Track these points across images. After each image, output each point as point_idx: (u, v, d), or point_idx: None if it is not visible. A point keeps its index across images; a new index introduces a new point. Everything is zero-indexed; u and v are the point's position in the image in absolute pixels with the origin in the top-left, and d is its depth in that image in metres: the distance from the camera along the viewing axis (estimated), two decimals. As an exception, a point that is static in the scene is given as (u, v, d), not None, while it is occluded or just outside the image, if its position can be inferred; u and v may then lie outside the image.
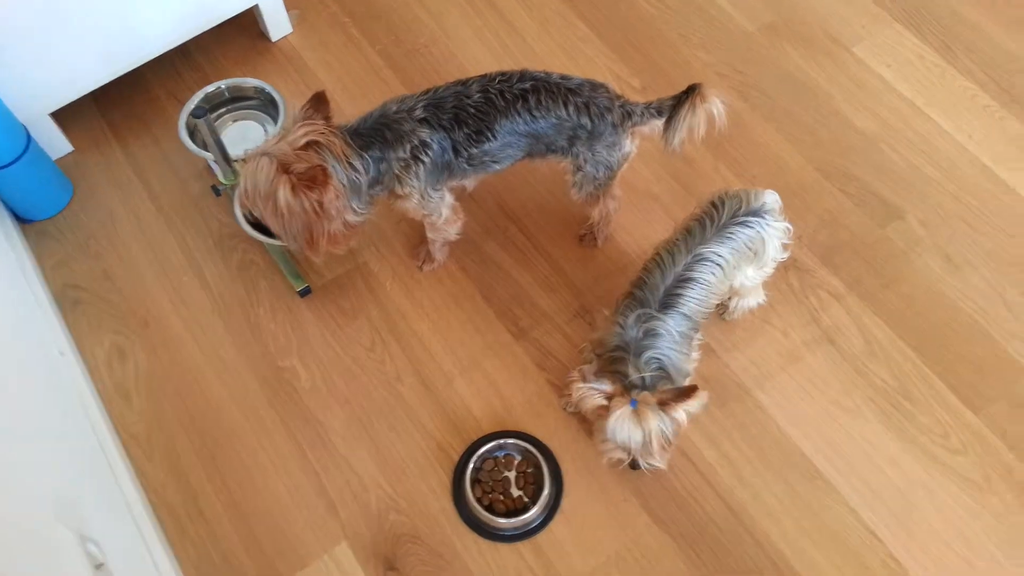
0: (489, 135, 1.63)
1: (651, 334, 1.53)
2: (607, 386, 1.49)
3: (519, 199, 2.05)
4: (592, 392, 1.49)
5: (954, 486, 1.68)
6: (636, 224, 1.98)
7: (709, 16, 2.31)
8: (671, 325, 1.54)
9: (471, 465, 1.69)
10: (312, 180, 1.49)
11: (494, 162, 1.70)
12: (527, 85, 1.63)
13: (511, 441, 1.72)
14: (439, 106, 1.62)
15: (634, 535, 1.65)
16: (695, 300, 1.54)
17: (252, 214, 1.67)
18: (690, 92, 1.61)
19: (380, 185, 1.64)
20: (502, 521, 1.64)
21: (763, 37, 2.27)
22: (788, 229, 1.60)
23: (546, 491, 1.66)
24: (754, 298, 1.77)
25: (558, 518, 1.67)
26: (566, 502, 1.68)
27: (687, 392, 1.47)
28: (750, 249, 1.56)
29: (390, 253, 1.99)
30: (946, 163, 2.05)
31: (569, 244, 1.98)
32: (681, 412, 1.47)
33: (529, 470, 1.71)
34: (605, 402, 1.48)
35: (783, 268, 1.87)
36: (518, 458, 1.72)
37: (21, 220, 2.03)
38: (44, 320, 1.85)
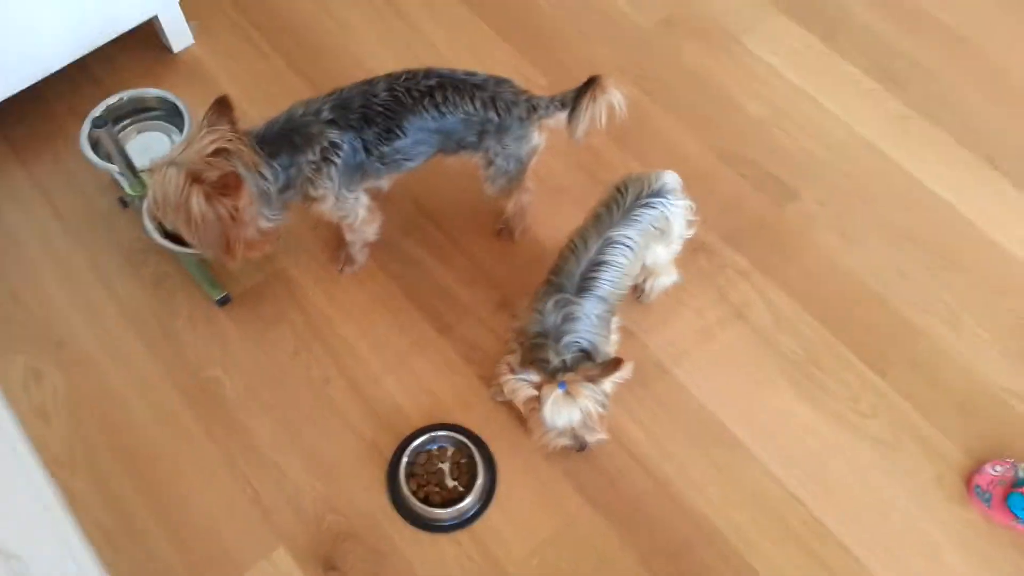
0: (399, 132, 1.67)
1: (569, 318, 1.60)
2: (535, 376, 1.54)
3: (435, 197, 2.09)
4: (521, 383, 1.54)
5: (867, 447, 1.79)
6: (550, 216, 2.04)
7: (606, 14, 2.41)
8: (588, 308, 1.61)
9: (404, 460, 1.72)
10: (226, 187, 1.50)
11: (407, 160, 1.73)
12: (433, 82, 1.67)
13: (443, 433, 1.76)
14: (346, 106, 1.65)
15: (568, 517, 1.70)
16: (609, 283, 1.62)
17: (164, 225, 1.65)
18: (590, 84, 1.68)
19: (292, 190, 1.65)
20: (439, 512, 1.67)
21: (659, 31, 2.38)
22: (691, 206, 1.70)
23: (480, 479, 1.70)
24: (667, 277, 1.85)
25: (494, 505, 1.72)
26: (501, 489, 1.73)
27: (612, 364, 1.55)
28: (657, 228, 1.64)
29: (309, 258, 2.00)
30: (836, 144, 2.19)
31: (487, 239, 2.03)
32: (608, 384, 1.55)
33: (463, 460, 1.75)
34: (535, 392, 1.53)
35: (692, 250, 1.96)
36: (451, 449, 1.76)
37: (-85, 246, 1.95)
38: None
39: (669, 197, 1.64)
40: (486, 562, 1.65)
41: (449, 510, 1.67)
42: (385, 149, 1.68)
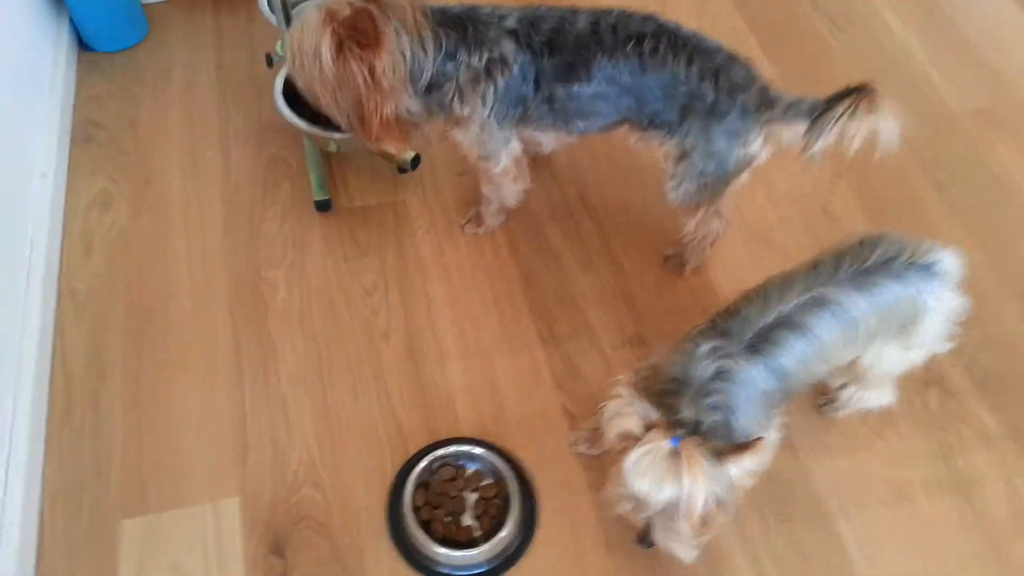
0: (583, 74, 1.30)
1: (724, 376, 1.11)
2: (651, 411, 1.07)
3: (605, 193, 1.69)
4: (628, 411, 1.07)
5: None
6: (739, 265, 1.56)
7: (910, 80, 1.92)
8: (754, 376, 1.11)
9: (423, 464, 1.28)
10: (364, 36, 1.20)
11: (579, 117, 1.35)
12: (648, 28, 1.29)
13: (488, 454, 1.31)
14: (535, 24, 1.30)
15: None
16: (797, 356, 1.11)
17: (302, 88, 1.37)
18: (855, 92, 1.21)
19: (439, 92, 1.32)
20: (436, 549, 1.21)
21: (969, 120, 1.84)
22: (961, 311, 1.15)
23: (505, 533, 1.22)
24: (879, 394, 1.30)
25: (514, 571, 1.23)
26: (528, 561, 1.24)
27: (747, 444, 1.04)
28: (898, 316, 1.12)
29: (436, 202, 1.66)
30: None
31: (648, 261, 1.59)
32: (734, 468, 1.04)
33: (496, 500, 1.28)
34: (639, 430, 1.06)
35: (924, 380, 1.40)
36: (487, 480, 1.30)
37: (82, 45, 1.86)
38: (46, 141, 1.63)
39: (937, 280, 1.12)
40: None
41: (450, 553, 1.21)
42: (559, 90, 1.31)
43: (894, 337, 1.16)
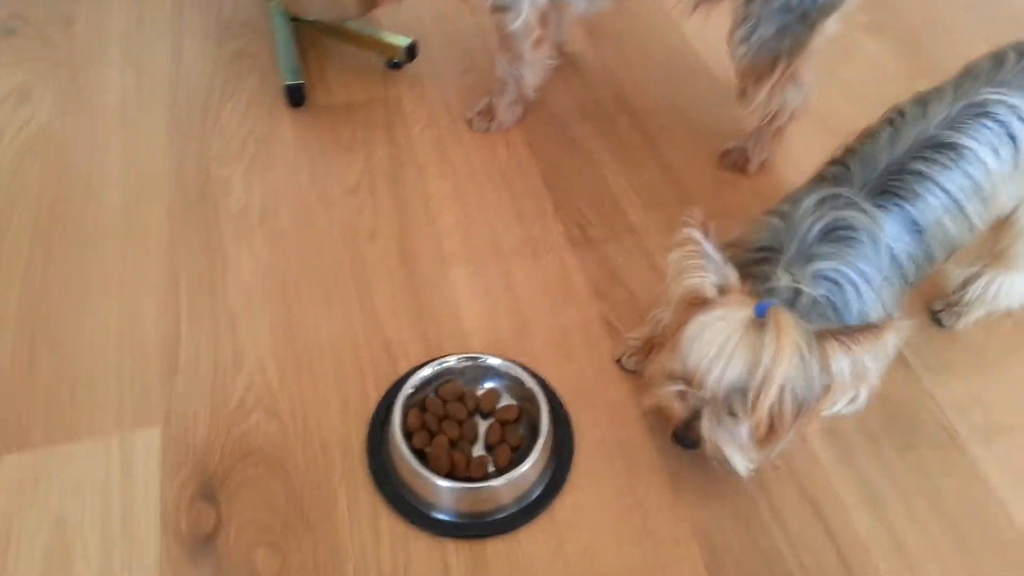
0: None
1: (838, 235, 0.81)
2: (731, 272, 0.76)
3: (645, 92, 1.39)
4: (701, 265, 0.75)
5: None
6: (813, 160, 1.25)
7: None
8: (885, 230, 0.80)
9: (420, 374, 0.94)
10: None
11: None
12: None
13: (507, 366, 0.96)
14: None
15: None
16: (947, 194, 0.80)
17: None
18: None
19: None
20: (436, 482, 0.86)
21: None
22: None
23: (528, 466, 0.87)
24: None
25: (541, 521, 0.87)
26: (560, 507, 0.89)
27: (868, 327, 0.71)
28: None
29: (438, 97, 1.36)
30: None
31: (703, 159, 1.28)
32: (845, 358, 0.71)
33: (517, 427, 0.93)
34: (712, 290, 0.75)
35: None
36: (507, 402, 0.95)
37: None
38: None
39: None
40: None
41: (459, 487, 0.86)
42: None
43: None
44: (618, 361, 1.01)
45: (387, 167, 1.24)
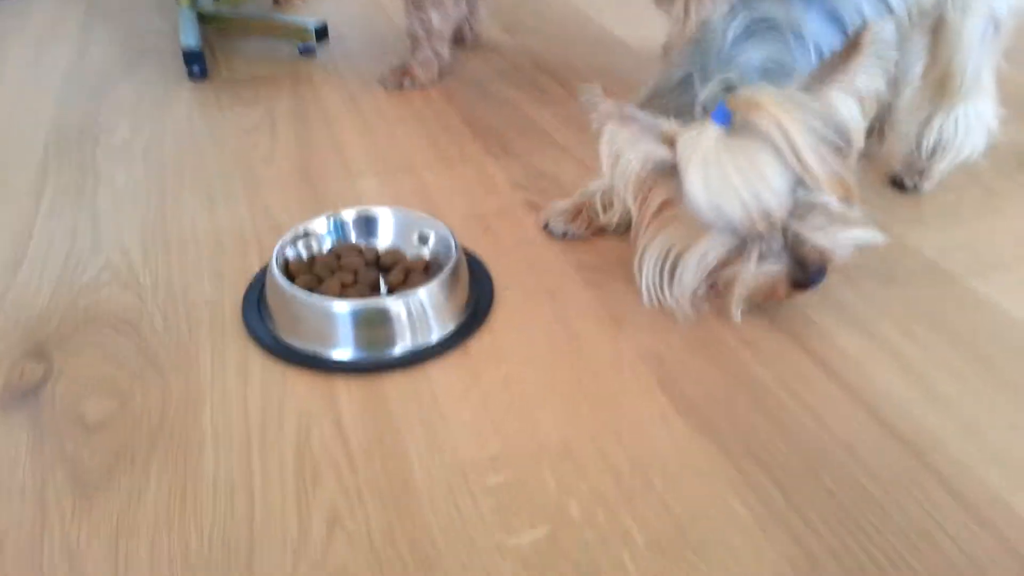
0: None
1: (759, 35, 0.77)
2: (663, 121, 0.71)
3: (564, 60, 1.38)
4: (632, 132, 0.70)
5: None
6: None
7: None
8: (799, 13, 0.77)
9: (306, 227, 0.82)
10: None
11: None
12: None
13: (415, 217, 0.84)
14: None
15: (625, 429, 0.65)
16: None
17: None
18: None
19: None
20: (321, 303, 0.71)
21: None
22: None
23: (423, 289, 0.73)
24: (984, 105, 0.91)
25: (454, 356, 0.72)
26: (480, 340, 0.74)
27: (849, 46, 0.67)
28: None
29: (350, 71, 1.33)
30: None
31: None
32: (838, 89, 0.67)
33: (428, 273, 0.80)
34: (663, 150, 0.68)
35: (1019, 160, 1.03)
36: (414, 254, 0.82)
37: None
38: None
39: None
40: (379, 459, 0.63)
41: (344, 301, 0.71)
42: None
43: None
44: (545, 226, 0.90)
45: (290, 114, 1.18)
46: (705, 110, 0.72)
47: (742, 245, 0.67)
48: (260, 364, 0.71)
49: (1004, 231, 0.92)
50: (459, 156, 1.08)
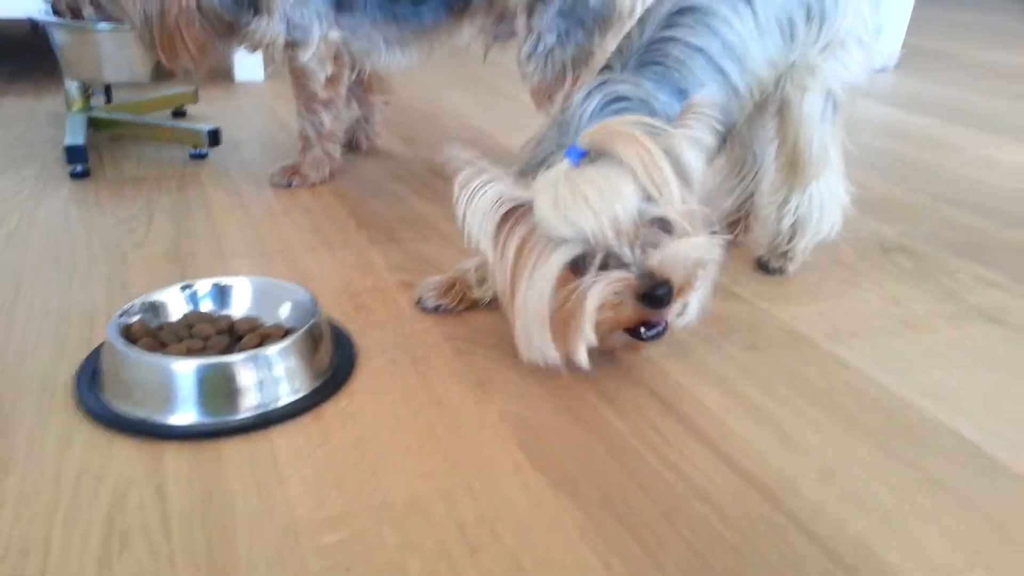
0: None
1: (613, 108, 0.81)
2: (514, 173, 0.74)
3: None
4: (487, 178, 0.71)
5: None
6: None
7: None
8: (650, 90, 0.81)
9: (152, 298, 0.78)
10: None
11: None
12: None
13: (275, 285, 0.81)
14: None
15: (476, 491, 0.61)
16: (703, 50, 0.82)
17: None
18: None
19: None
20: (174, 364, 0.67)
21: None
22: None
23: (275, 348, 0.70)
24: (831, 177, 0.95)
25: (304, 420, 0.68)
26: (335, 404, 0.70)
27: (689, 106, 0.74)
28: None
29: (241, 173, 1.33)
30: None
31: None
32: (684, 134, 0.70)
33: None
34: (523, 192, 0.70)
35: (880, 248, 1.09)
36: (272, 323, 0.79)
37: None
38: None
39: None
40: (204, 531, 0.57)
41: (185, 360, 0.67)
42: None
43: (805, 29, 0.86)
44: (418, 302, 0.89)
45: (171, 208, 1.16)
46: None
47: (591, 255, 0.65)
48: (85, 432, 0.65)
49: (863, 303, 0.95)
50: (341, 242, 1.06)
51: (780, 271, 1.00)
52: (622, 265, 0.66)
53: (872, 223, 1.17)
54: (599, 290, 0.66)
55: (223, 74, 1.96)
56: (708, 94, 0.73)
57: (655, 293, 0.65)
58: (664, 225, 0.66)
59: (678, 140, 0.69)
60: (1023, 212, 1.25)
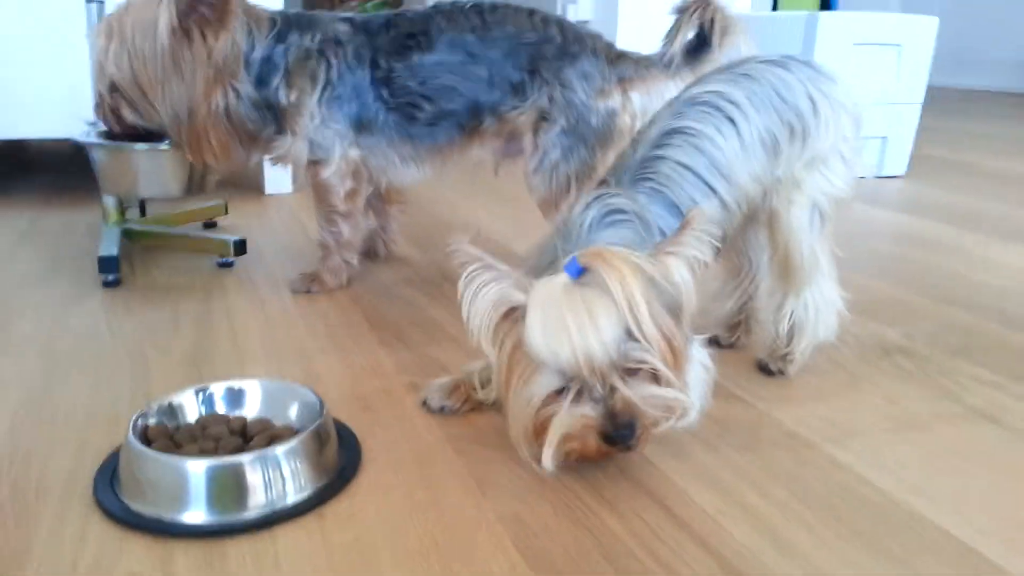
0: (423, 41, 1.25)
1: (611, 220, 0.87)
2: (518, 273, 0.79)
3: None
4: (491, 275, 0.77)
5: None
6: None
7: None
8: (643, 203, 0.87)
9: (167, 402, 0.82)
10: (210, 7, 1.18)
11: (425, 101, 1.25)
12: (487, 3, 1.29)
13: (288, 388, 0.85)
14: (371, 18, 1.30)
15: None
16: (691, 168, 0.88)
17: (120, 82, 1.25)
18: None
19: (267, 88, 1.23)
20: (186, 464, 0.70)
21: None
22: (856, 113, 0.96)
23: (282, 448, 0.73)
24: (823, 284, 0.98)
25: (306, 520, 0.70)
26: (336, 505, 0.72)
27: (683, 225, 0.77)
28: (785, 107, 0.92)
29: (264, 281, 1.39)
30: None
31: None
32: (673, 261, 0.75)
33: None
34: (518, 293, 0.74)
35: (881, 349, 1.11)
36: (280, 425, 0.82)
37: None
38: None
39: (816, 68, 0.96)
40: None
41: (194, 460, 0.70)
42: (397, 66, 1.25)
43: (791, 144, 0.92)
44: (423, 403, 0.92)
45: (195, 314, 1.22)
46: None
47: (566, 387, 0.69)
48: (100, 528, 0.69)
49: (862, 406, 0.96)
50: (353, 346, 1.11)
51: (780, 373, 1.03)
52: (593, 400, 0.69)
53: (874, 325, 1.20)
54: (564, 422, 0.69)
55: (254, 187, 2.06)
56: (702, 210, 0.77)
57: (617, 434, 0.68)
58: (640, 364, 0.69)
59: (670, 265, 0.73)
60: (1022, 314, 1.28)
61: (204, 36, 1.18)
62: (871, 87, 2.28)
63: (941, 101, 4.74)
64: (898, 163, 2.40)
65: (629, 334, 0.69)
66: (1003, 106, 4.55)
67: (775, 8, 3.68)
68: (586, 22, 2.97)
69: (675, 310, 0.73)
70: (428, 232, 1.70)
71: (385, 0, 5.16)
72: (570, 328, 0.69)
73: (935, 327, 1.21)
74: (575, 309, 0.69)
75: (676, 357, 0.71)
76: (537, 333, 0.70)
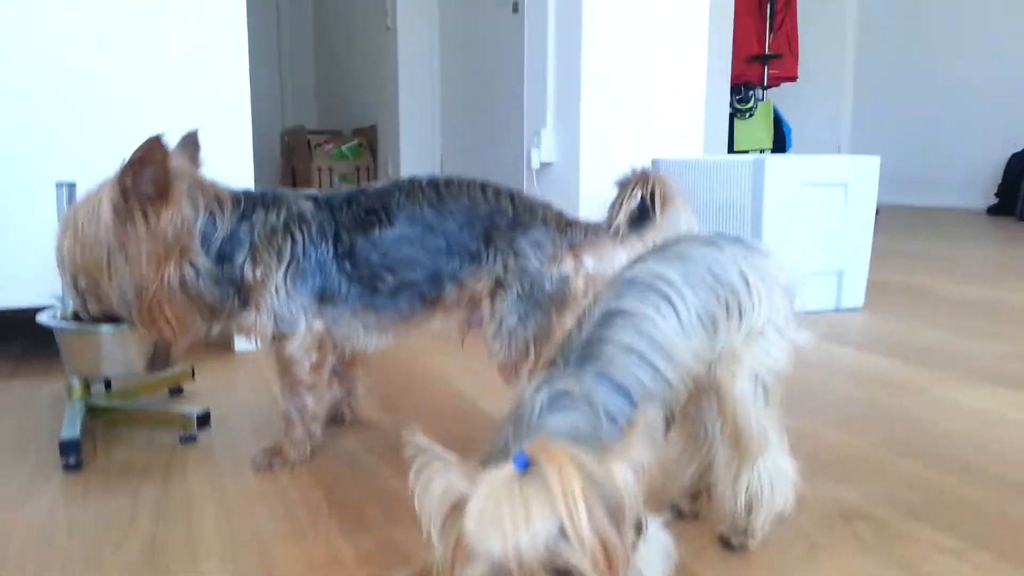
0: (383, 217, 1.31)
1: (559, 404, 0.89)
2: (467, 464, 0.80)
3: (440, 435, 1.46)
4: (439, 466, 0.78)
5: None
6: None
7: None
8: (590, 386, 0.89)
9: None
10: (150, 185, 1.21)
11: (387, 272, 1.30)
12: (442, 178, 1.36)
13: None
14: (334, 194, 1.36)
15: None
16: (632, 347, 0.91)
17: (74, 272, 1.28)
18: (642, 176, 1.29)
19: (231, 264, 1.27)
20: None
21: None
22: (792, 287, 1.00)
23: None
24: (775, 455, 0.99)
25: None
26: None
27: (630, 428, 0.79)
28: (719, 285, 0.96)
29: (226, 455, 1.38)
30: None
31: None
32: (618, 464, 0.75)
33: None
34: (465, 482, 0.75)
35: (840, 516, 1.12)
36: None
37: None
38: None
39: (748, 244, 1.01)
40: None
41: None
42: (359, 241, 1.30)
43: (726, 320, 0.95)
44: (381, 595, 0.90)
45: (153, 501, 1.20)
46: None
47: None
48: None
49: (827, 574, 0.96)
50: (312, 533, 1.09)
51: (742, 547, 1.02)
52: None
53: (833, 487, 1.20)
54: None
55: (223, 344, 2.07)
56: (647, 412, 0.79)
57: None
58: (568, 566, 0.69)
59: (614, 468, 0.74)
60: (983, 465, 1.29)
61: (146, 214, 1.20)
62: (822, 224, 2.37)
63: (894, 219, 4.92)
64: (855, 295, 2.47)
65: (563, 533, 0.69)
66: (953, 224, 4.74)
67: (731, 145, 3.86)
68: (550, 163, 3.10)
69: (616, 514, 0.73)
70: (397, 391, 1.71)
71: (360, 143, 5.37)
72: (504, 521, 0.68)
73: (895, 484, 1.22)
74: (512, 502, 0.69)
75: (611, 563, 0.70)
76: (474, 524, 0.69)
